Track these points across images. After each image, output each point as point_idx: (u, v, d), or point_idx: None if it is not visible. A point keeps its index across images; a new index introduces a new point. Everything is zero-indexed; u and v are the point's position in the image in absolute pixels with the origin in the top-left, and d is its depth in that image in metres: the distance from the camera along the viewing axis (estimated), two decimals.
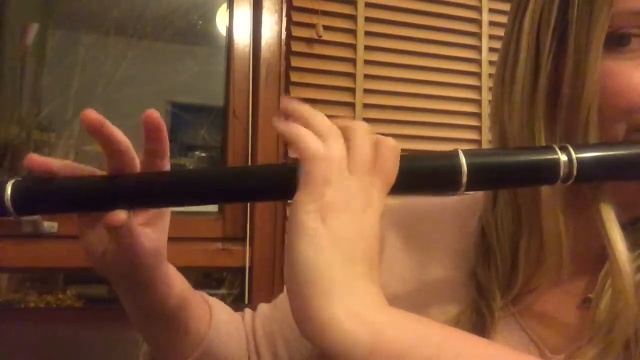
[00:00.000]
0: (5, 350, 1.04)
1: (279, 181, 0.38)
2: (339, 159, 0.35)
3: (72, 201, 0.41)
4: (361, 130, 0.37)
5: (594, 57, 0.41)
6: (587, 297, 0.46)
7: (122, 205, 0.40)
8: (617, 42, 0.41)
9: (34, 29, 1.41)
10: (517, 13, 0.47)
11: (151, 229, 0.46)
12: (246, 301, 1.27)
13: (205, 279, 1.63)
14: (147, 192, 0.40)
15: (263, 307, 0.63)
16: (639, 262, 0.43)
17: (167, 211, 0.49)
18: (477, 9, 1.48)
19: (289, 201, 0.36)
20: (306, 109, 0.38)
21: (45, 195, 0.40)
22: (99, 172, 0.43)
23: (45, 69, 1.43)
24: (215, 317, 0.57)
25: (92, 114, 0.40)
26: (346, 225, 0.33)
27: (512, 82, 0.46)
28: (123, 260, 0.45)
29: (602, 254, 0.43)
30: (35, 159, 0.40)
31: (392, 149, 0.37)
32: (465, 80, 1.47)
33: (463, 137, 1.46)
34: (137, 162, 0.43)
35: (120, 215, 0.40)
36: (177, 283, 0.52)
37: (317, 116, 0.37)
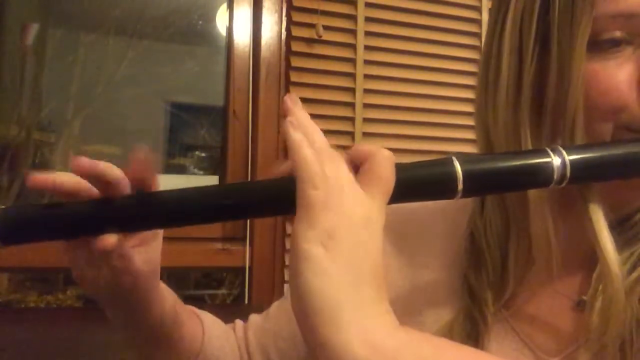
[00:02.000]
0: (6, 350, 1.04)
1: (275, 199, 0.37)
2: (336, 183, 0.34)
3: (61, 229, 0.40)
4: (328, 154, 0.35)
5: (577, 59, 0.41)
6: (581, 300, 0.46)
7: (111, 229, 0.38)
8: (599, 43, 0.41)
9: (34, 29, 1.41)
10: (498, 16, 0.46)
11: (145, 250, 0.45)
12: (246, 301, 1.27)
13: (205, 279, 1.62)
14: (137, 215, 0.39)
15: (255, 318, 0.62)
16: (630, 263, 0.43)
17: (160, 230, 0.47)
18: (477, 9, 1.49)
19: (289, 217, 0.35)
20: (307, 121, 0.36)
21: (33, 224, 0.39)
22: (95, 191, 0.41)
23: (45, 69, 1.42)
24: (208, 331, 0.56)
25: (84, 162, 0.39)
26: (350, 247, 0.32)
27: (496, 85, 0.46)
28: (117, 283, 0.44)
29: (592, 253, 0.43)
30: (36, 179, 0.39)
31: (387, 158, 0.36)
32: (465, 80, 1.47)
33: (463, 137, 1.46)
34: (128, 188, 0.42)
35: (109, 240, 0.38)
36: (170, 301, 0.51)
37: (316, 132, 0.36)
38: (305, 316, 0.32)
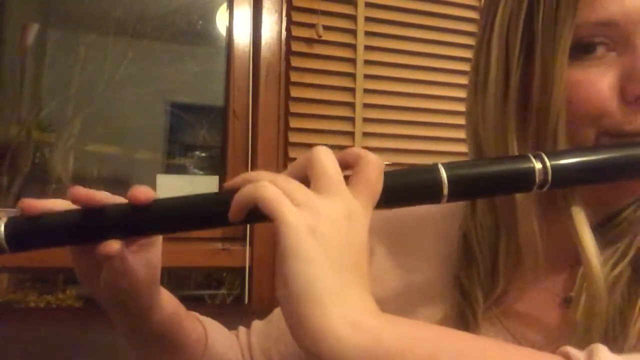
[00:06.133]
0: (6, 350, 1.04)
1: None
2: (324, 180, 0.36)
3: (66, 236, 0.41)
4: (319, 152, 0.37)
5: (560, 66, 0.43)
6: (568, 297, 0.47)
7: (114, 235, 0.40)
8: (582, 51, 0.43)
9: (34, 29, 1.41)
10: (487, 22, 0.48)
11: (144, 255, 0.46)
12: (246, 301, 1.27)
13: (205, 279, 1.62)
14: (139, 221, 0.40)
15: (257, 324, 0.64)
16: (612, 261, 0.45)
17: (159, 237, 0.48)
18: (477, 9, 1.49)
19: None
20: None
21: (39, 231, 0.41)
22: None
23: (45, 69, 1.43)
24: (211, 337, 0.57)
25: (80, 191, 0.40)
26: (333, 238, 0.34)
27: (484, 90, 0.49)
28: (117, 287, 0.45)
29: (578, 252, 0.45)
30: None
31: (374, 163, 0.38)
32: (465, 80, 1.47)
33: (462, 137, 1.46)
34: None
35: (113, 246, 0.39)
36: (171, 306, 0.52)
37: (245, 175, 0.39)
38: (290, 302, 0.33)
